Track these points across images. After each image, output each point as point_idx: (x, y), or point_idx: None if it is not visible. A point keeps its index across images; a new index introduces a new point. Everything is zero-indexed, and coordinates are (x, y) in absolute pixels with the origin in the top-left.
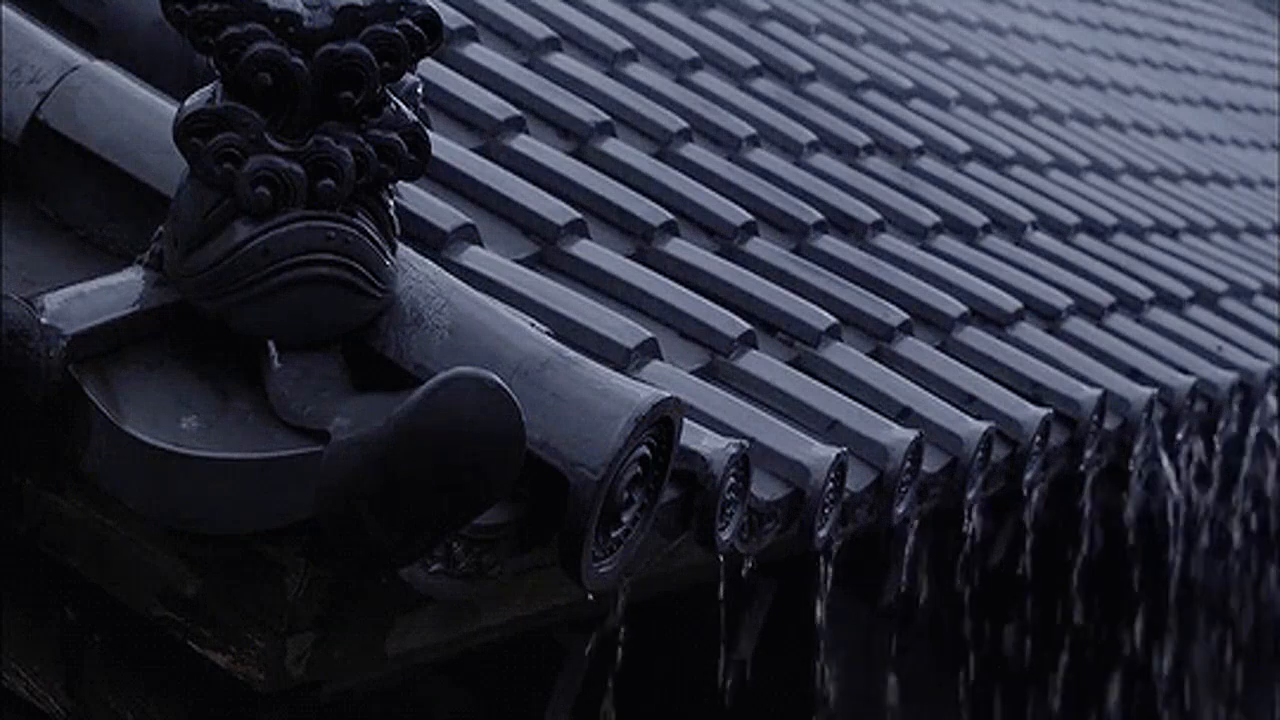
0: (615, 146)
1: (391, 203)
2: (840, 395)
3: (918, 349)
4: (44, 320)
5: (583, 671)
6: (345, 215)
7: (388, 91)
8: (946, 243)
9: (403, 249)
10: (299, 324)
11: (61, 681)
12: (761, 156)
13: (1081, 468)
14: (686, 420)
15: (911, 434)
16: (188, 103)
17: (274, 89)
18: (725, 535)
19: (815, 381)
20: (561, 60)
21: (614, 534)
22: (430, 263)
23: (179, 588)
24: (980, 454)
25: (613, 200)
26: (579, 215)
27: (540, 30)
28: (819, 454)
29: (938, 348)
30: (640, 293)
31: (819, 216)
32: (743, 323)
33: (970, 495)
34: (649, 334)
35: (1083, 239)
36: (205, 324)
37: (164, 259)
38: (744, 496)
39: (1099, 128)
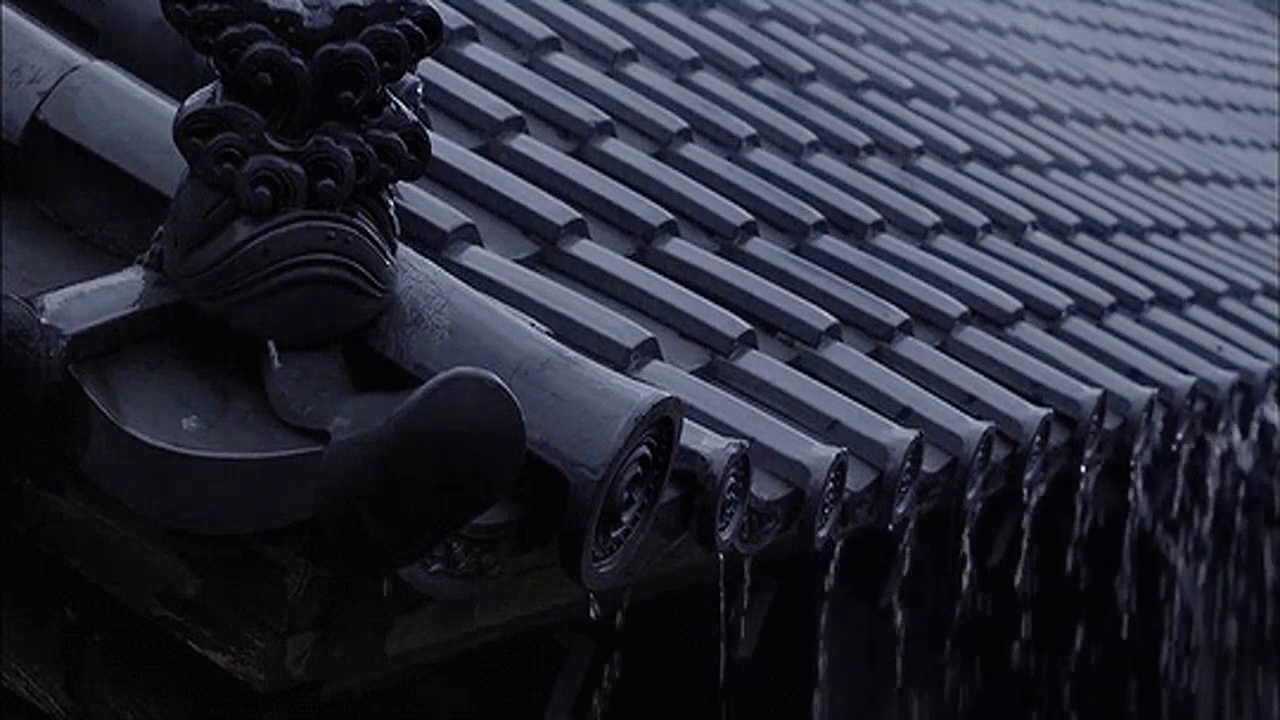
0: (615, 146)
1: (391, 203)
2: (840, 395)
3: (918, 349)
4: (44, 320)
5: (583, 671)
6: (345, 215)
7: (388, 91)
8: (946, 243)
9: (403, 249)
10: (299, 324)
11: (61, 681)
12: (761, 156)
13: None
14: (686, 420)
15: (911, 434)
16: (188, 103)
17: (274, 89)
18: (725, 535)
19: (815, 381)
20: (561, 60)
21: (614, 534)
22: (430, 263)
23: (179, 588)
24: (980, 454)
25: (613, 200)
26: (579, 215)
27: (540, 30)
28: (819, 454)
29: (938, 348)
30: (640, 293)
31: (819, 216)
32: (743, 323)
33: (970, 495)
34: (649, 334)
35: (1083, 239)
36: (205, 324)
37: (164, 259)
38: (744, 496)
39: (1099, 128)
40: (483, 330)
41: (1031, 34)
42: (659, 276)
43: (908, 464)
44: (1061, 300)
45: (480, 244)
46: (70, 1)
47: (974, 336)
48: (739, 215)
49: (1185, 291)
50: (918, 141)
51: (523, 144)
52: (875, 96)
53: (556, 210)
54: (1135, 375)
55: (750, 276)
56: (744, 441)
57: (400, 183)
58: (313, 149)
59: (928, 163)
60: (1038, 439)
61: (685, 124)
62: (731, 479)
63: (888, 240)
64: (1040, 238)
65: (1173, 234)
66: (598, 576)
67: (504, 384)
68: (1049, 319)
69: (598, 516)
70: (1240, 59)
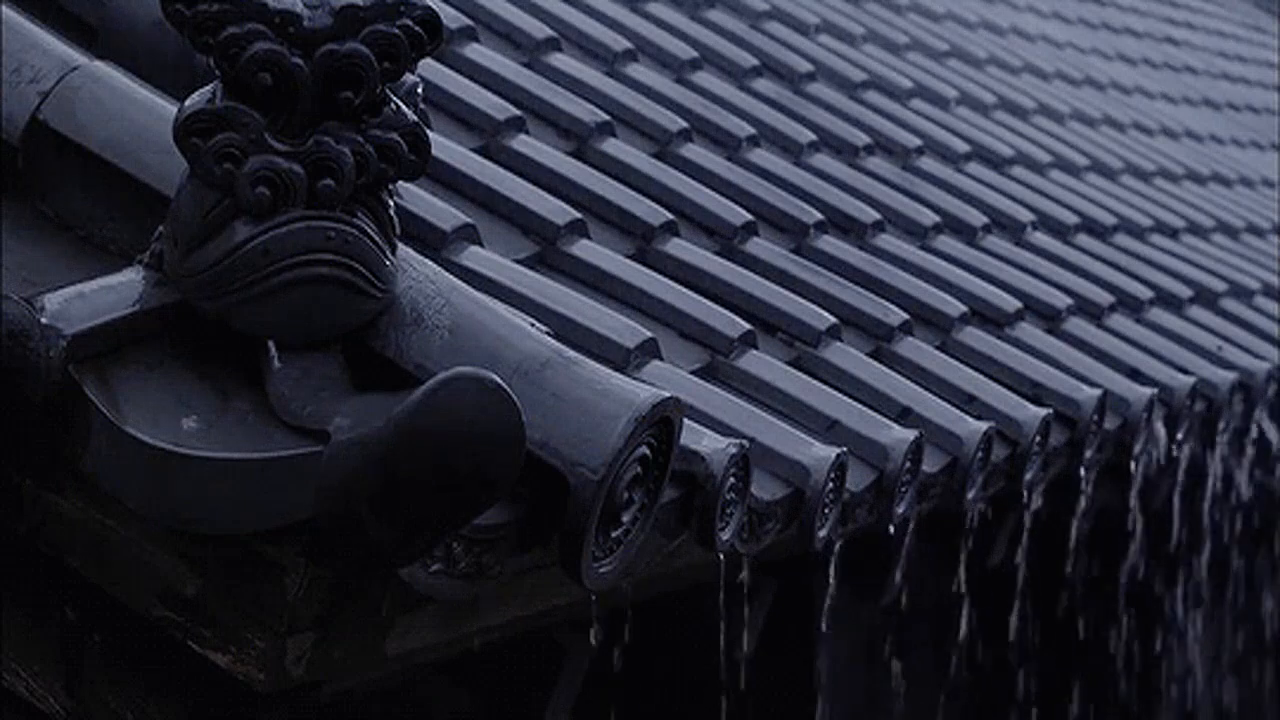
0: (615, 146)
1: (391, 203)
2: (840, 395)
3: (918, 349)
4: (44, 320)
5: (583, 671)
6: (345, 215)
7: (388, 91)
8: (946, 243)
9: (403, 249)
10: (299, 324)
11: (61, 681)
12: (761, 156)
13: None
14: (686, 420)
15: (911, 434)
16: (188, 103)
17: (274, 89)
18: (725, 535)
19: (815, 381)
20: (561, 60)
21: (614, 534)
22: (430, 263)
23: (179, 588)
24: (980, 454)
25: (613, 200)
26: (579, 215)
27: (540, 30)
28: (819, 454)
29: (938, 348)
30: (640, 293)
31: (819, 216)
32: (743, 323)
33: (970, 495)
34: (649, 334)
35: (1083, 239)
36: (205, 324)
37: (164, 259)
38: (744, 496)
39: (1099, 128)
40: (483, 330)
41: (1031, 34)
42: (659, 276)
43: (908, 464)
44: (1061, 300)
45: (480, 244)
46: (70, 1)
47: (974, 336)
48: (739, 215)
49: (1185, 291)
50: (918, 141)
51: (523, 144)
52: (875, 96)
53: (556, 210)
54: (1135, 375)
55: (750, 276)
56: (744, 441)
57: (400, 183)
58: (313, 149)
59: (928, 163)
60: (1038, 439)
61: (685, 124)
62: (731, 479)
63: (888, 240)
64: (1040, 238)
65: (1173, 234)
66: (598, 576)
67: (504, 384)
68: (1049, 319)
69: (598, 516)
70: (1240, 59)
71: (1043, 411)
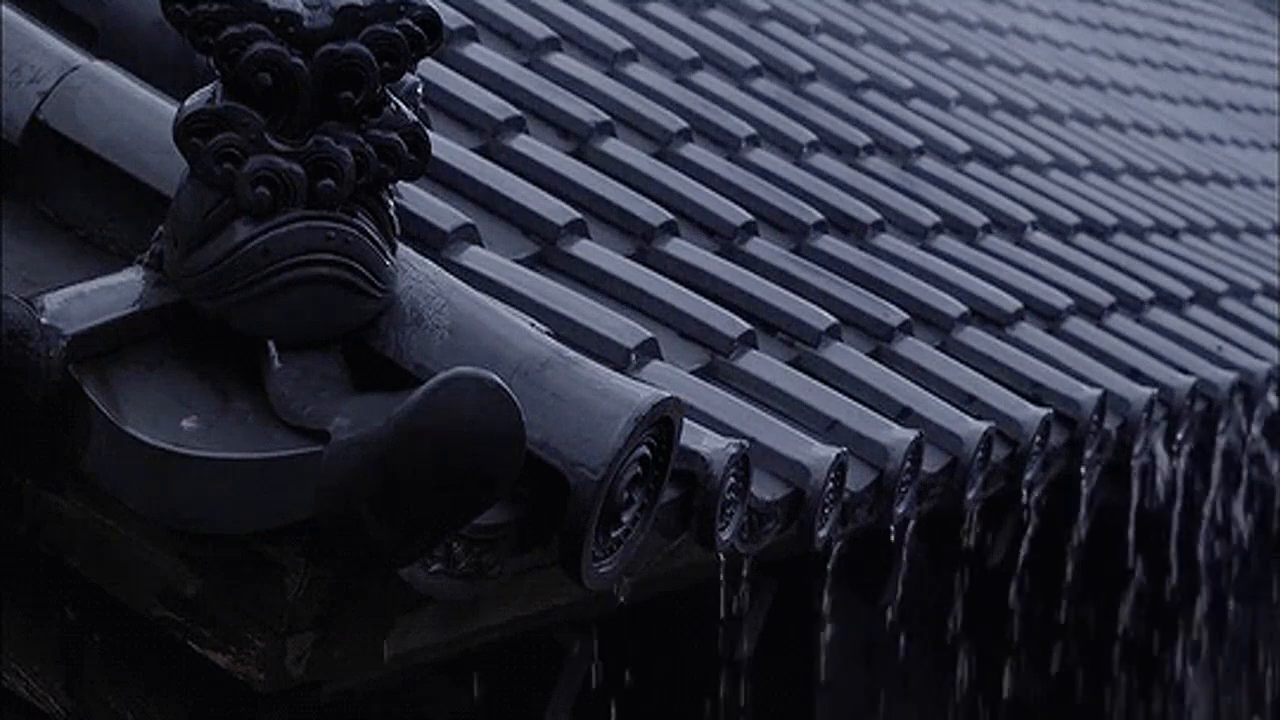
0: (615, 146)
1: (391, 203)
2: (840, 395)
3: (918, 349)
4: (44, 320)
5: (583, 671)
6: (345, 215)
7: (388, 91)
8: (946, 243)
9: (403, 249)
10: (299, 324)
11: (61, 681)
12: (761, 156)
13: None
14: (686, 420)
15: (911, 434)
16: (188, 103)
17: (274, 89)
18: (725, 535)
19: (815, 381)
20: (561, 60)
21: (614, 534)
22: (430, 263)
23: (179, 588)
24: (980, 454)
25: (613, 200)
26: (579, 215)
27: (540, 30)
28: (819, 454)
29: (938, 348)
30: (640, 293)
31: (819, 216)
32: (743, 323)
33: (970, 495)
34: (649, 334)
35: (1083, 239)
36: (205, 324)
37: (164, 259)
38: (744, 496)
39: (1099, 128)
40: (483, 330)
41: (1031, 34)
42: (659, 276)
43: (908, 464)
44: (1061, 300)
45: (480, 244)
46: (70, 1)
47: (974, 336)
48: (739, 215)
49: (1185, 291)
50: (918, 141)
51: (523, 144)
52: (875, 96)
53: (556, 210)
54: (1135, 375)
55: (750, 276)
56: (744, 441)
57: (400, 183)
58: (313, 149)
59: (928, 163)
60: (1038, 439)
61: (685, 124)
62: (731, 479)
63: (888, 240)
64: (1040, 238)
65: (1173, 234)
66: (598, 576)
67: (504, 384)
68: (1049, 319)
69: (598, 516)
70: (1240, 59)
71: (1043, 411)
